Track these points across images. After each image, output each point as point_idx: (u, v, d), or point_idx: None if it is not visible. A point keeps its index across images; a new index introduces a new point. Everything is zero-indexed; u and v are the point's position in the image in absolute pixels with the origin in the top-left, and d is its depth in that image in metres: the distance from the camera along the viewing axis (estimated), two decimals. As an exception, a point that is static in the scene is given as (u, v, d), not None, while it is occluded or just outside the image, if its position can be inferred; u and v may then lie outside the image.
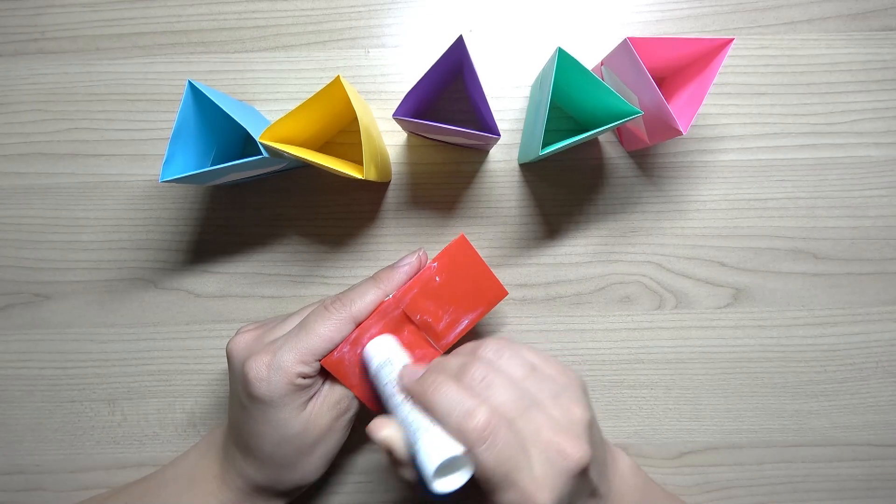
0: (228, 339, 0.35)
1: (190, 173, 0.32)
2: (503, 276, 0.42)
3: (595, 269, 0.42)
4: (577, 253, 0.42)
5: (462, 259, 0.34)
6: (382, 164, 0.38)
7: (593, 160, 0.42)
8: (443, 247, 0.36)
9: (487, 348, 0.30)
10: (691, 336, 0.42)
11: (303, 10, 0.41)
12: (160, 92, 0.41)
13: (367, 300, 0.33)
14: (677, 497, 0.38)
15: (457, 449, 0.26)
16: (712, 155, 0.42)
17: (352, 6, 0.41)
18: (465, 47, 0.32)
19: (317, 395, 0.34)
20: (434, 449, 0.26)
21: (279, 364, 0.31)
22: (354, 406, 0.35)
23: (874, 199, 0.42)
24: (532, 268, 0.42)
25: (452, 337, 0.35)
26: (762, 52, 0.41)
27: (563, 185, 0.42)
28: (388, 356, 0.32)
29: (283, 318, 0.35)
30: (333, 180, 0.42)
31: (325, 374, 0.34)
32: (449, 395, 0.27)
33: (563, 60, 0.32)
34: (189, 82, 0.33)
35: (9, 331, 0.42)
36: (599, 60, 0.38)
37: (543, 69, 0.37)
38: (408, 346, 0.34)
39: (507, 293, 0.36)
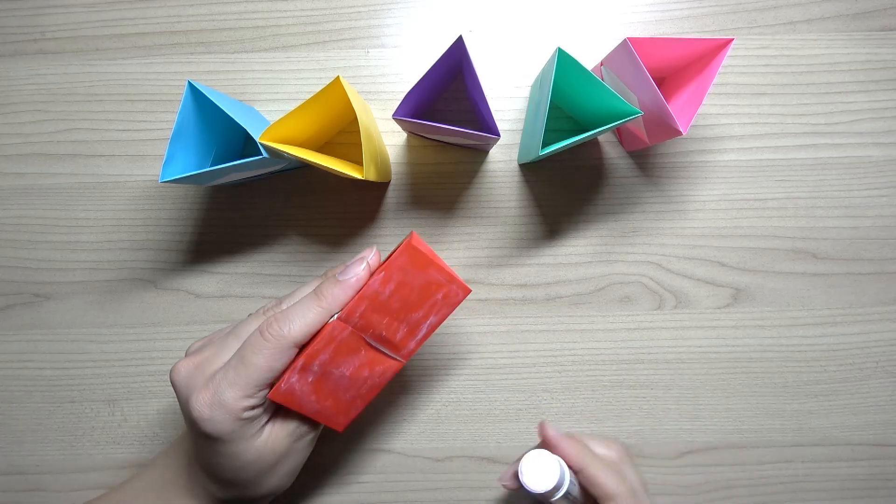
0: (172, 366, 0.32)
1: (190, 173, 0.32)
2: (503, 276, 0.42)
3: (595, 270, 0.42)
4: (577, 253, 0.42)
5: (413, 264, 0.30)
6: (382, 164, 0.38)
7: (593, 160, 0.42)
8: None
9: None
10: (691, 336, 0.42)
11: (303, 10, 0.41)
12: (160, 92, 0.41)
13: (307, 321, 0.30)
14: None
15: None
16: (712, 155, 0.42)
17: (352, 6, 0.41)
18: (464, 47, 0.32)
19: (271, 422, 0.32)
20: None
21: (221, 402, 0.29)
22: (317, 426, 0.34)
23: (873, 199, 0.42)
24: (532, 268, 0.42)
25: (413, 345, 0.32)
26: (762, 52, 0.41)
27: (563, 185, 0.42)
28: (558, 480, 0.33)
29: (225, 338, 0.32)
30: (333, 180, 0.42)
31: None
32: None
33: (563, 60, 0.32)
34: (189, 82, 0.33)
35: (9, 331, 0.42)
36: (599, 60, 0.38)
37: (543, 69, 0.37)
38: (367, 364, 0.32)
39: (469, 290, 0.32)
